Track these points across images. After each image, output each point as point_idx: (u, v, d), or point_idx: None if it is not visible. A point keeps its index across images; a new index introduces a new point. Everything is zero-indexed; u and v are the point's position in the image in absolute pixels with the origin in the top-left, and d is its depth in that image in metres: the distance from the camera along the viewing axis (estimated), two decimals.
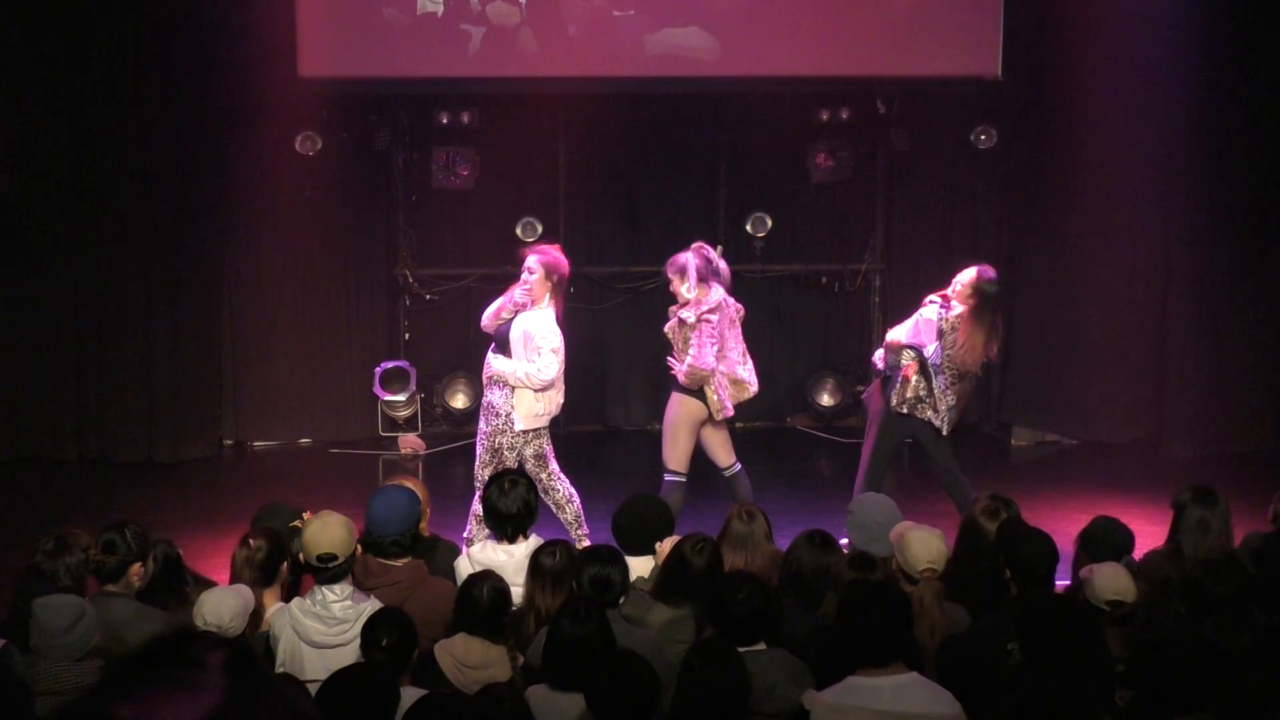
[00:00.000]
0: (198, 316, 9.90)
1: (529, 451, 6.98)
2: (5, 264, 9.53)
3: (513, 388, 6.87)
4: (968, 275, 7.13)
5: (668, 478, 7.18)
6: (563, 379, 6.99)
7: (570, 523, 7.04)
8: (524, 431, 6.89)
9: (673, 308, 7.18)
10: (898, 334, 7.19)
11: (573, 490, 7.07)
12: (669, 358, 7.21)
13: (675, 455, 7.19)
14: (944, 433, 7.15)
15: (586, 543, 7.01)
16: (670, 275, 7.16)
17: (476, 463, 7.03)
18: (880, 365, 7.39)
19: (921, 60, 9.65)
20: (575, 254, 10.39)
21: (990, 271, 7.15)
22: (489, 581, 4.53)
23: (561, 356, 6.89)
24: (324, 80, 9.45)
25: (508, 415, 6.89)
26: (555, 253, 7.10)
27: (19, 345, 9.62)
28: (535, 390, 6.84)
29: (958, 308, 7.07)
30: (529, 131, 10.20)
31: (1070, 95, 9.82)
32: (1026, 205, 10.27)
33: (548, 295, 6.97)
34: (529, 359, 6.84)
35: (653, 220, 10.53)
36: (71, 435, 9.74)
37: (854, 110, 10.08)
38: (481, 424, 7.03)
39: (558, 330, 6.92)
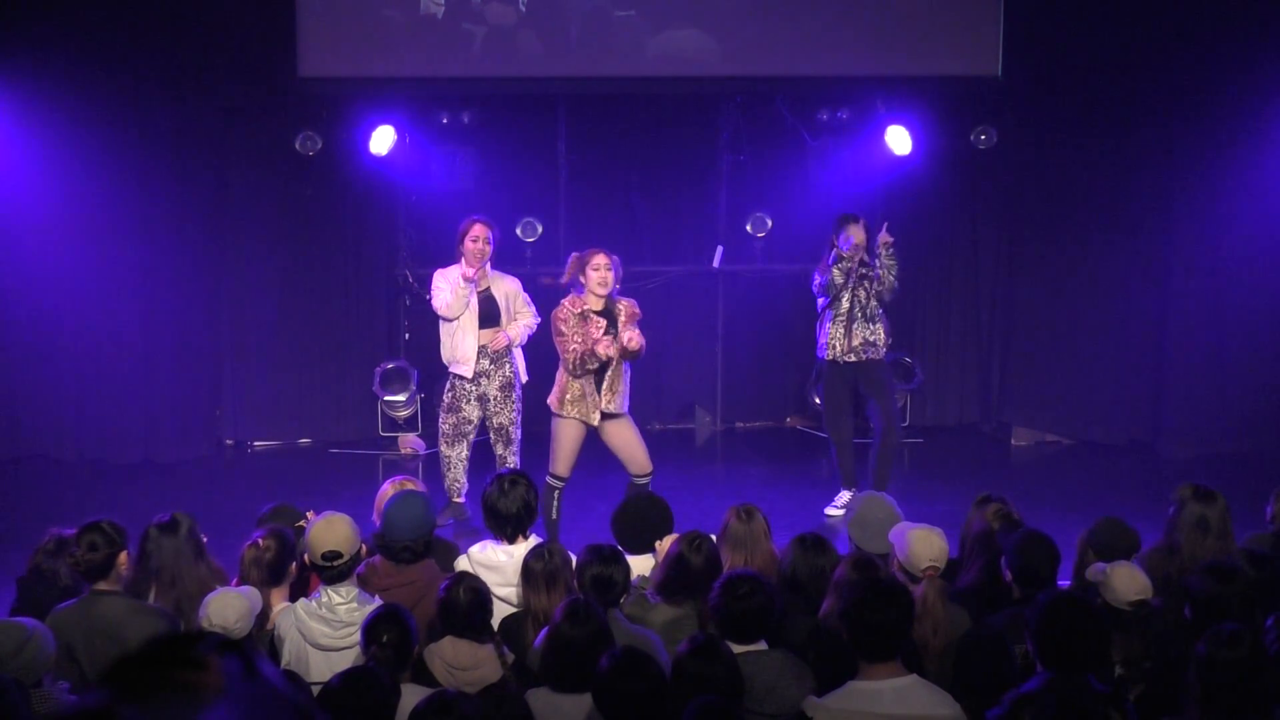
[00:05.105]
0: (197, 316, 9.90)
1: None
2: (4, 264, 9.52)
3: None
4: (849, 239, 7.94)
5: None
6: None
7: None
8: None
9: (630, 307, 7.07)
10: None
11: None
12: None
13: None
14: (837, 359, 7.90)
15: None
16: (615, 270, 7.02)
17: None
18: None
19: (921, 60, 9.65)
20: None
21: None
22: (465, 582, 4.49)
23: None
24: (324, 80, 9.44)
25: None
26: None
27: (19, 345, 9.62)
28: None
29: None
30: (529, 131, 10.20)
31: (1070, 95, 9.82)
32: (1026, 205, 10.26)
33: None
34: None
35: (653, 220, 10.52)
36: (71, 435, 9.74)
37: (854, 110, 10.08)
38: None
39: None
